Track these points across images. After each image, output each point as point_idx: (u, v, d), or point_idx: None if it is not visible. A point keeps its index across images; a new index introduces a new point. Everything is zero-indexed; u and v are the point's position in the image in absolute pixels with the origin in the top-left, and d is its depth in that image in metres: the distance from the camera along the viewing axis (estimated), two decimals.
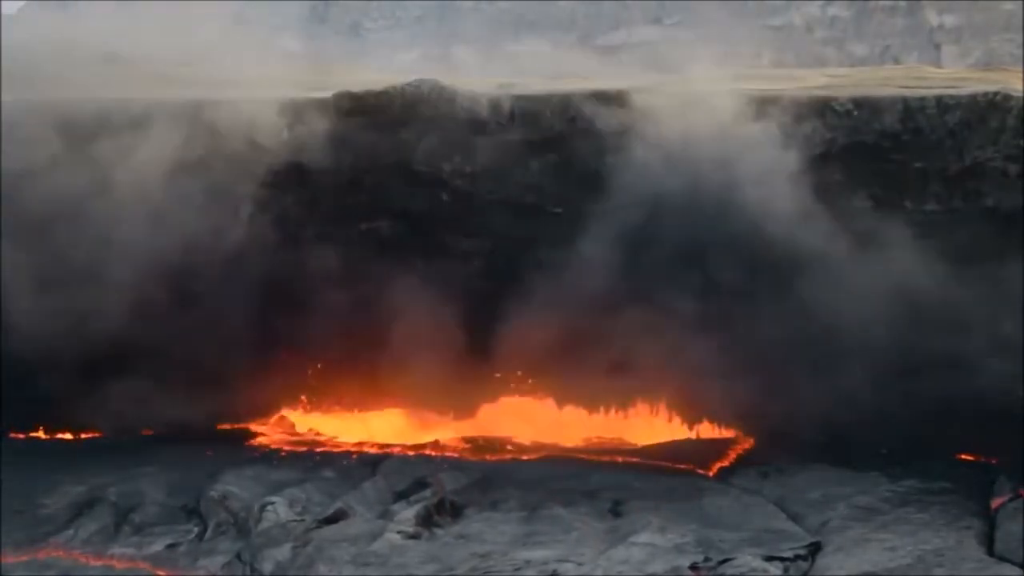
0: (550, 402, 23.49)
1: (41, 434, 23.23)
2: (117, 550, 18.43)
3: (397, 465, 21.05)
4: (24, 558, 18.10)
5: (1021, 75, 24.16)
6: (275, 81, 24.08)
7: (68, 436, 23.17)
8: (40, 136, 21.87)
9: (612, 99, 22.52)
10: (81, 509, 19.56)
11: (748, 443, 22.40)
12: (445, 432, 23.12)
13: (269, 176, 22.71)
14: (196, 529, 19.10)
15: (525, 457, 21.95)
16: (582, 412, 23.36)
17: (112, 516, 19.38)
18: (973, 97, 21.93)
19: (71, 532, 18.96)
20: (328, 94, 23.20)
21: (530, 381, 23.32)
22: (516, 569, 17.45)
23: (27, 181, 21.75)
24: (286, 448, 22.30)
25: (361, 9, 64.20)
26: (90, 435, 23.06)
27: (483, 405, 23.60)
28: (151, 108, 22.46)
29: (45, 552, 18.27)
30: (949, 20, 59.10)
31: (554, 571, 17.39)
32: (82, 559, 18.15)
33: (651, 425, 23.19)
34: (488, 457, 21.94)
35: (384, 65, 46.57)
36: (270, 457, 21.66)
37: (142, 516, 19.37)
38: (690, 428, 23.05)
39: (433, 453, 22.02)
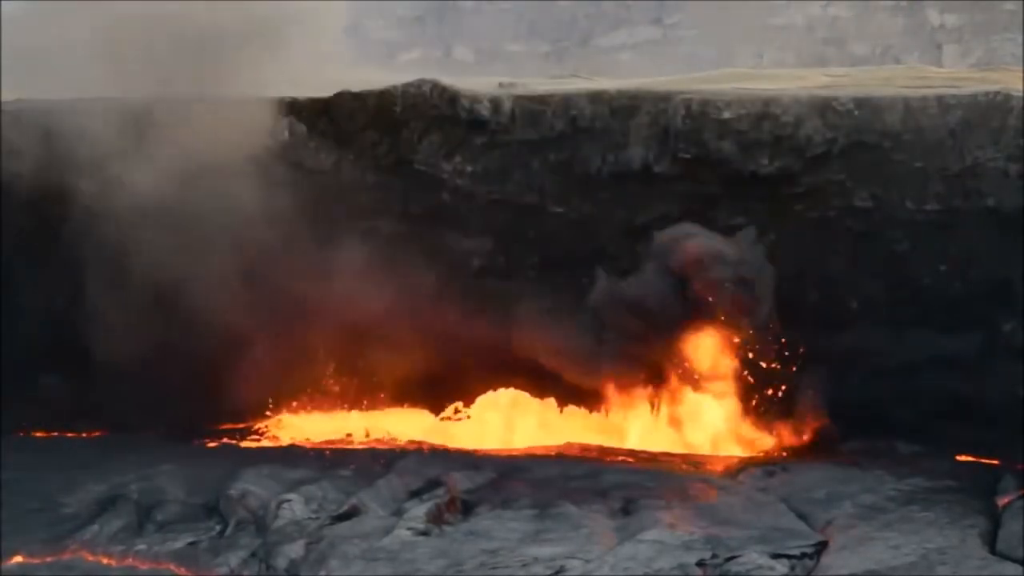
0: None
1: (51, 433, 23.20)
2: (143, 547, 18.37)
3: (413, 463, 21.08)
4: (49, 558, 18.02)
5: (1022, 75, 24.18)
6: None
7: (77, 435, 23.20)
8: None
9: None
10: (104, 507, 19.52)
11: None
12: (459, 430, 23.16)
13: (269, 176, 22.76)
14: (217, 527, 19.09)
15: (539, 455, 21.98)
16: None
17: (135, 514, 19.36)
18: (974, 97, 21.98)
19: (96, 528, 18.90)
20: (329, 94, 23.27)
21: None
22: (524, 565, 17.45)
23: None
24: (301, 445, 22.34)
25: (362, 9, 64.14)
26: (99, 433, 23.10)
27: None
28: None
29: (70, 552, 18.16)
30: (950, 20, 59.07)
31: (561, 567, 17.39)
32: (104, 560, 18.06)
33: None
34: (503, 455, 21.99)
35: (385, 65, 46.55)
36: (286, 454, 21.69)
37: (164, 514, 19.38)
38: None
39: (449, 451, 22.02)
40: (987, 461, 21.21)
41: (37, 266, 23.19)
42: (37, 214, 22.86)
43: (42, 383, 23.37)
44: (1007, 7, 57.39)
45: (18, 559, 17.92)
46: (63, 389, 23.42)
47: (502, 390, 23.37)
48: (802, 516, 19.27)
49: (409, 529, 18.48)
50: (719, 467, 21.53)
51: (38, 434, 23.04)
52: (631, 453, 22.17)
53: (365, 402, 23.67)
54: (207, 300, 22.02)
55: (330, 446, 22.32)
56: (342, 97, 23.14)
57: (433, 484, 19.96)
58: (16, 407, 22.88)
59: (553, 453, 22.06)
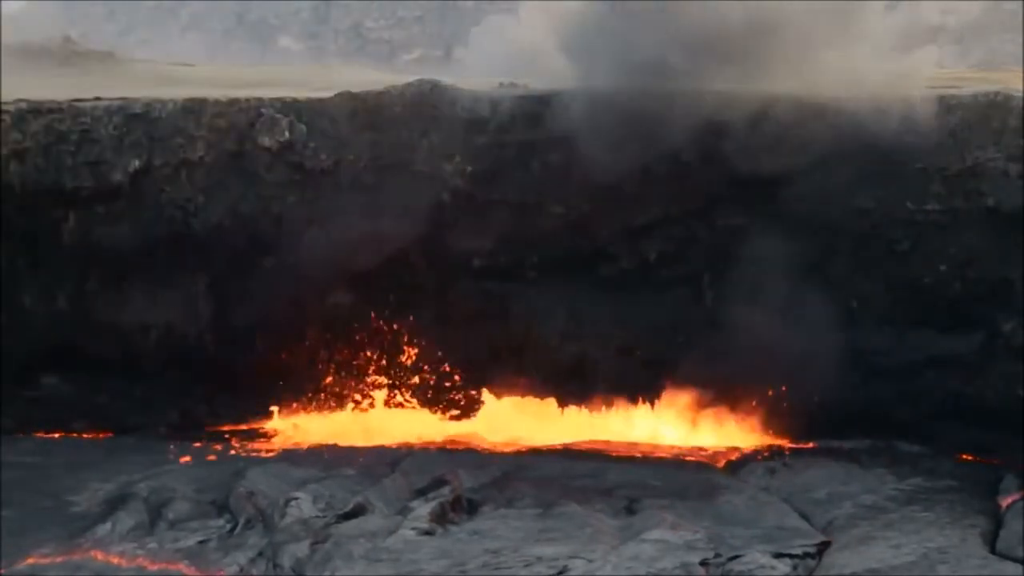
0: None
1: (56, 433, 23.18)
2: (154, 545, 18.45)
3: (418, 462, 21.16)
4: (60, 558, 18.00)
5: (1021, 75, 24.20)
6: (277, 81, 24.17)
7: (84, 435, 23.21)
8: None
9: None
10: (115, 505, 19.55)
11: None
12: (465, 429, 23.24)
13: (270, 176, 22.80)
14: (228, 525, 19.14)
15: (543, 454, 22.04)
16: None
17: (146, 512, 19.39)
18: (974, 97, 22.01)
19: (108, 527, 18.95)
20: (329, 94, 23.28)
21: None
22: (527, 565, 17.49)
23: None
24: (309, 444, 22.38)
25: (362, 9, 64.18)
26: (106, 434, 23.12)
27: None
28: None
29: (82, 552, 18.16)
30: (950, 20, 59.05)
31: (565, 567, 17.41)
32: (115, 560, 18.05)
33: None
34: (507, 454, 22.03)
35: (384, 65, 46.58)
36: (293, 454, 21.76)
37: (175, 512, 19.41)
38: None
39: (454, 450, 22.07)
40: (988, 461, 21.23)
41: (37, 266, 23.18)
42: (37, 214, 22.85)
43: (42, 383, 23.40)
44: (1007, 7, 57.36)
45: (31, 559, 17.92)
46: (63, 389, 23.44)
47: None
48: (804, 516, 19.34)
49: (413, 529, 18.54)
50: (721, 466, 21.61)
51: (39, 434, 23.03)
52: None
53: None
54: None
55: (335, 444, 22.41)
56: (342, 97, 23.12)
57: (438, 483, 20.01)
58: (16, 407, 22.91)
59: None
